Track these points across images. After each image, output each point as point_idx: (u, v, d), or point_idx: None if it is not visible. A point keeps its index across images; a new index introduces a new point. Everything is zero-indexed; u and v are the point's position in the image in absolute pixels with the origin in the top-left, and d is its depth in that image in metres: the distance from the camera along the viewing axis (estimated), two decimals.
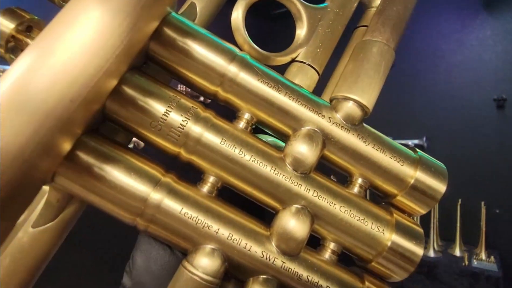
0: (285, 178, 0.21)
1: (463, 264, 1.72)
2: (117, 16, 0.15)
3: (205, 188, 0.21)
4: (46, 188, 0.21)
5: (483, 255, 1.79)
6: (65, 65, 0.14)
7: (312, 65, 0.25)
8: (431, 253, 1.84)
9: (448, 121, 2.09)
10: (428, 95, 2.18)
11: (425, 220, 1.96)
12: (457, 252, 1.86)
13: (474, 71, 2.02)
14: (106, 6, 0.15)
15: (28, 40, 0.24)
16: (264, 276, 0.20)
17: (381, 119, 2.02)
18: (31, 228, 0.21)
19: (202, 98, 0.32)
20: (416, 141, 2.12)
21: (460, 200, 1.85)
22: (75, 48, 0.14)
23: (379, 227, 0.22)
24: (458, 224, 1.86)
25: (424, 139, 2.11)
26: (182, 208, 0.20)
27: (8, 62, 0.24)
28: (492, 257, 1.77)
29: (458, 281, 1.70)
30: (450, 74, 2.10)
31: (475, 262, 1.74)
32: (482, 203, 1.82)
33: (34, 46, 0.14)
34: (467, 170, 2.01)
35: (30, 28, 0.25)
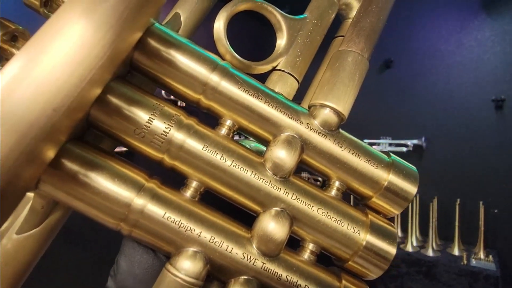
0: (265, 182, 0.22)
1: (462, 263, 1.72)
2: (100, 28, 0.15)
3: (188, 193, 0.22)
4: (30, 194, 0.21)
5: (481, 255, 1.79)
6: (49, 75, 0.14)
7: (291, 73, 0.26)
8: (430, 253, 1.84)
9: (447, 122, 2.10)
10: (427, 96, 2.18)
11: (424, 220, 1.96)
12: (456, 252, 1.86)
13: (473, 71, 2.01)
14: (90, 19, 0.15)
15: (13, 50, 0.24)
16: (245, 277, 0.21)
17: (380, 120, 2.03)
18: (16, 235, 0.21)
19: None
20: (415, 141, 2.12)
21: (458, 200, 1.85)
22: (59, 59, 0.14)
23: (354, 228, 0.23)
24: (456, 224, 1.86)
25: (423, 139, 2.11)
26: (165, 213, 0.20)
27: None
28: (490, 256, 1.77)
29: (456, 280, 1.70)
30: (449, 75, 2.10)
31: (473, 262, 1.74)
32: (481, 203, 1.82)
33: (19, 57, 0.14)
34: (466, 170, 2.01)
35: (15, 37, 0.25)
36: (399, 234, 2.02)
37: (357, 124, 2.43)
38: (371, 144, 2.23)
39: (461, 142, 2.03)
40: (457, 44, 2.07)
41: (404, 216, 1.97)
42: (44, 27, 0.15)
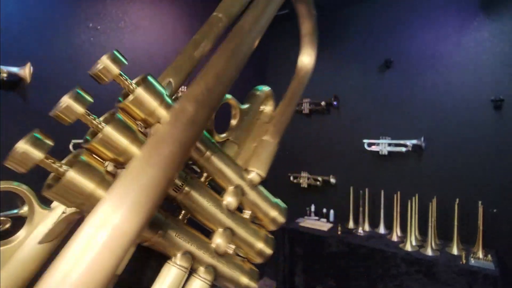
0: (223, 214, 0.35)
1: (461, 262, 1.73)
2: (142, 219, 0.20)
3: (180, 217, 0.34)
4: (59, 211, 0.26)
5: (480, 254, 1.80)
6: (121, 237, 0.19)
7: (237, 143, 0.42)
8: (429, 252, 1.86)
9: (446, 122, 2.10)
10: (426, 96, 2.18)
11: (423, 220, 1.99)
12: (455, 251, 1.87)
13: (471, 72, 2.02)
14: (137, 216, 0.20)
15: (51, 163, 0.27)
16: (207, 265, 0.34)
17: (380, 120, 2.04)
18: (38, 244, 0.27)
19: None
20: (414, 141, 2.13)
21: (457, 200, 1.86)
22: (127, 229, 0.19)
23: (257, 238, 0.38)
24: (455, 224, 1.87)
25: (422, 139, 2.12)
26: (176, 234, 0.32)
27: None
28: (489, 255, 1.78)
29: (455, 280, 1.71)
30: (448, 75, 2.11)
31: (472, 261, 1.75)
32: (479, 202, 1.84)
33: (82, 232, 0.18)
34: (465, 170, 2.02)
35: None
36: (399, 233, 2.04)
37: (357, 124, 2.46)
38: (371, 144, 2.26)
39: (460, 142, 2.05)
40: (456, 44, 2.08)
41: (404, 215, 2.00)
42: (95, 216, 0.19)
